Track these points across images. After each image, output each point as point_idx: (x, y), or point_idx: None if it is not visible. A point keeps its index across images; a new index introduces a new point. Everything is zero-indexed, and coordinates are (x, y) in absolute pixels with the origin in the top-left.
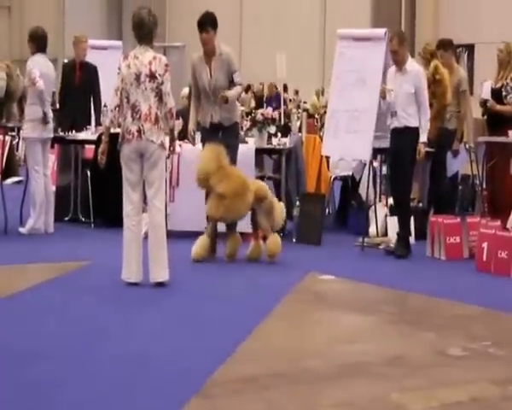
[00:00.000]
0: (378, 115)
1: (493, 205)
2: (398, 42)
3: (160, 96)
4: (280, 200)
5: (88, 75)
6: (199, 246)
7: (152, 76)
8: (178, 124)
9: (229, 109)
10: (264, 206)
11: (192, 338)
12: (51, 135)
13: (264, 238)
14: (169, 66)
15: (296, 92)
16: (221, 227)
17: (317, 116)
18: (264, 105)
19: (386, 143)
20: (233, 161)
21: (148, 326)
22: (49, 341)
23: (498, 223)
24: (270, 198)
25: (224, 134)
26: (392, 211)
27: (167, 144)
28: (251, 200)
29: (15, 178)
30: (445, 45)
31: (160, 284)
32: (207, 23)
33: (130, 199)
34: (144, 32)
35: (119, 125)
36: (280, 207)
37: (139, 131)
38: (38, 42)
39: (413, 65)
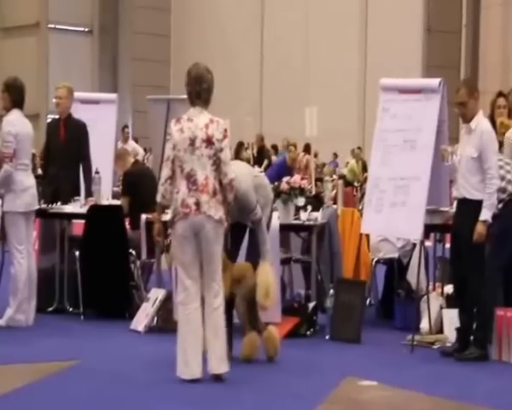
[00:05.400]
0: (431, 184)
1: None
2: (468, 92)
3: (217, 164)
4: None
5: (74, 134)
6: None
7: (209, 141)
8: None
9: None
10: (242, 288)
11: None
12: (36, 206)
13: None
14: (228, 130)
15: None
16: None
17: (356, 185)
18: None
19: (440, 219)
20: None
21: None
22: None
23: None
24: (250, 279)
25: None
26: (450, 302)
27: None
28: (228, 281)
29: None
30: None
31: (218, 377)
32: None
33: (183, 285)
34: (203, 89)
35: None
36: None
37: (197, 203)
38: (16, 95)
39: (481, 123)
